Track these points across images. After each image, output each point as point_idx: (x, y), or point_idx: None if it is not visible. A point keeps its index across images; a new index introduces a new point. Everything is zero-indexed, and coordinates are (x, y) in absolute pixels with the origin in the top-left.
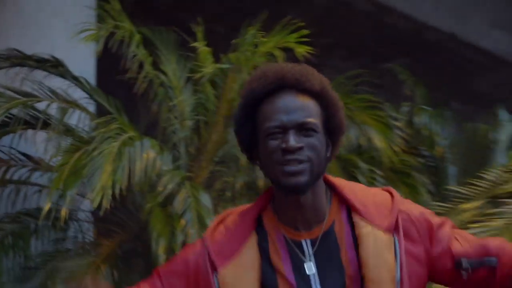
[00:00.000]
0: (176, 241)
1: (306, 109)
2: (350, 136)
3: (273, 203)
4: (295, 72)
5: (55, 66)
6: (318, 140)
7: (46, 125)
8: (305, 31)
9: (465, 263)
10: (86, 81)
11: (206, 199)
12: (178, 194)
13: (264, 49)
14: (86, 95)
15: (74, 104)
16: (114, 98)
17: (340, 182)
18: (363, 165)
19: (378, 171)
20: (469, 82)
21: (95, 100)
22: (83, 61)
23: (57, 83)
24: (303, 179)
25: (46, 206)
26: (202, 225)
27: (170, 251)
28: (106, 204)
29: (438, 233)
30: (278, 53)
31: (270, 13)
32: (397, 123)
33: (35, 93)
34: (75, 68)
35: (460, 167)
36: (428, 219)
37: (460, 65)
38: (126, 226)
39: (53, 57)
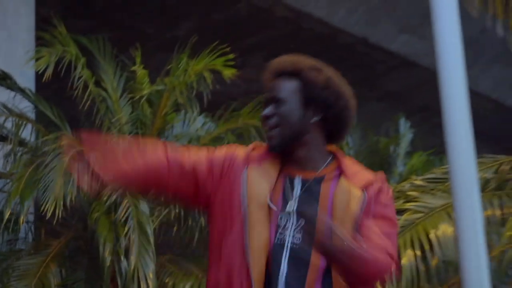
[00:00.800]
0: (120, 245)
1: (279, 86)
2: None
3: None
4: (279, 61)
5: (3, 79)
6: (287, 108)
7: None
8: (231, 56)
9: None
10: (32, 92)
11: (145, 207)
12: (122, 204)
13: (194, 71)
14: (31, 106)
15: (25, 118)
16: (56, 108)
17: (344, 156)
18: None
19: None
20: (382, 82)
21: (40, 111)
22: (23, 73)
23: (4, 96)
24: (274, 141)
25: (7, 213)
26: (142, 231)
27: (115, 254)
28: (59, 213)
29: (381, 209)
30: (207, 74)
31: (200, 17)
32: None
33: None
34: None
35: None
36: (383, 206)
37: (372, 66)
38: (71, 227)
39: (0, 70)
